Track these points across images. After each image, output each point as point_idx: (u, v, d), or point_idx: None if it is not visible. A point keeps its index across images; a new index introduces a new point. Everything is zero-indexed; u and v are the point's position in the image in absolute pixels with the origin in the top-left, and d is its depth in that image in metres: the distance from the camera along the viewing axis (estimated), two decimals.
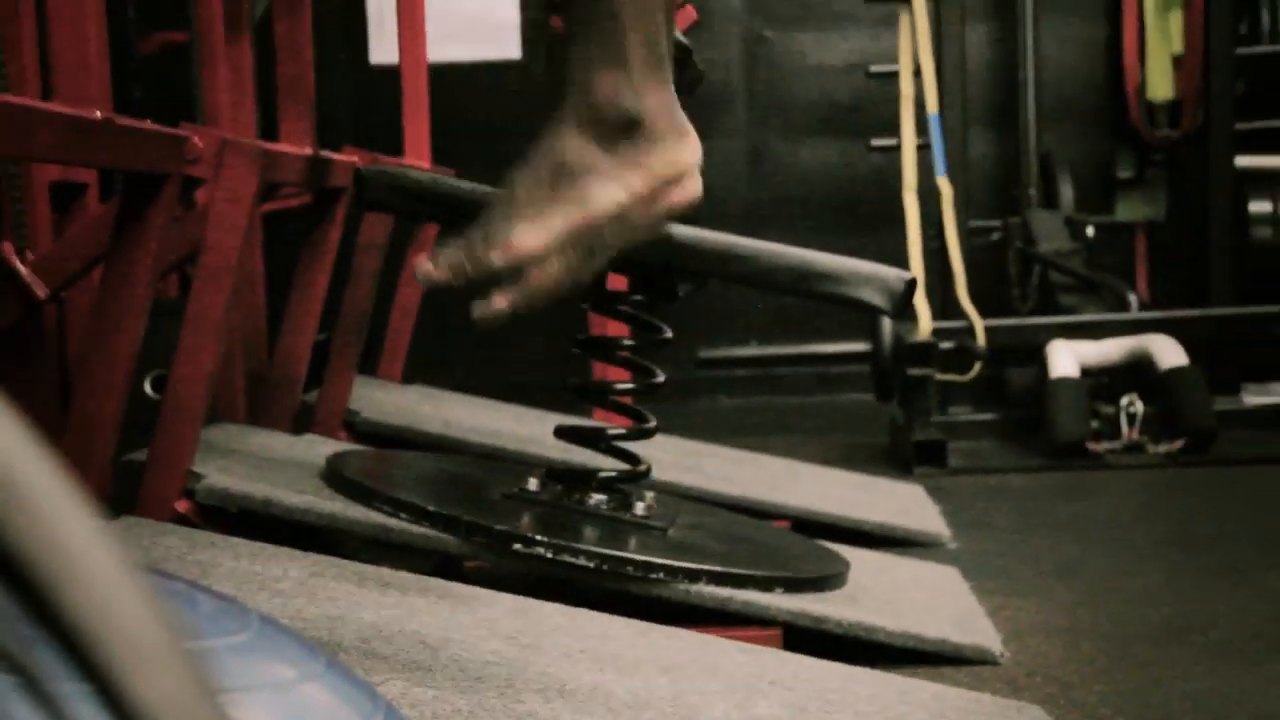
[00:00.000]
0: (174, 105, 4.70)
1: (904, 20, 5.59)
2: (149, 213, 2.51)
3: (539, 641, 2.30)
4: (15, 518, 0.41)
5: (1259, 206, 6.01)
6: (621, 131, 1.96)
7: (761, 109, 6.70)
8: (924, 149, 5.58)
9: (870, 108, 6.13)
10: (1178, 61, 6.31)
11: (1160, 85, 6.40)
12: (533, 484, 3.05)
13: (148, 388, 3.15)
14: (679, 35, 2.45)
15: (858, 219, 6.22)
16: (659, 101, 2.00)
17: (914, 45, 5.55)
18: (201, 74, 4.53)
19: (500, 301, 2.06)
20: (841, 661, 2.57)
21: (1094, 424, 4.91)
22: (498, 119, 6.26)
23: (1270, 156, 6.00)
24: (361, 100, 6.35)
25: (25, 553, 0.41)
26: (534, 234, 1.94)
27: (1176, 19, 6.33)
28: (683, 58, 2.74)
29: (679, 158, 2.00)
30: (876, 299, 3.08)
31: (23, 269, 2.86)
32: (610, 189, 1.96)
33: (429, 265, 2.02)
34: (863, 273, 3.07)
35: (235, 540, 2.61)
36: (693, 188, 2.05)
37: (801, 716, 2.21)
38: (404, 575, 2.60)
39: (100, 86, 2.61)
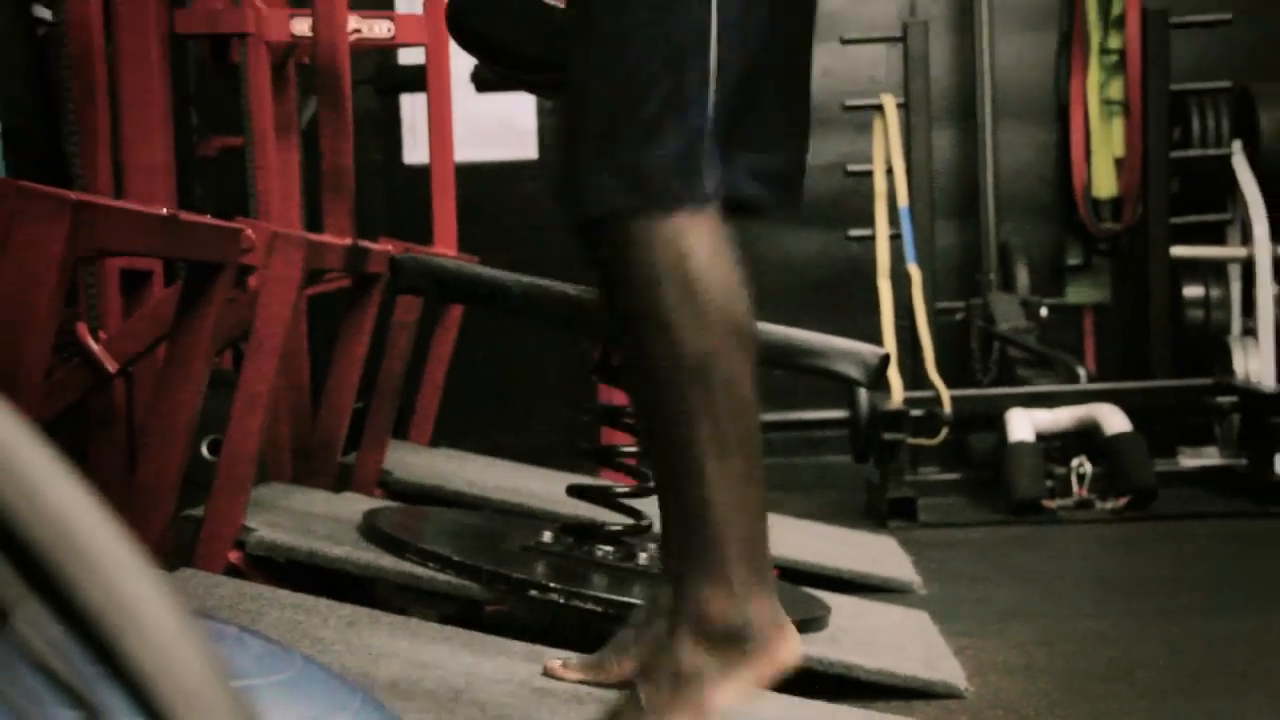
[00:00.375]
0: (230, 201, 4.70)
1: (878, 126, 5.62)
2: (207, 296, 2.50)
3: (550, 685, 2.28)
4: (83, 576, 0.40)
5: (1192, 291, 6.04)
6: (730, 640, 1.94)
7: None
8: (895, 239, 5.60)
9: (848, 202, 6.12)
10: (1119, 163, 6.33)
11: (1104, 184, 6.41)
12: (547, 537, 3.05)
13: (204, 451, 3.14)
14: None
15: (837, 301, 6.21)
16: (762, 609, 1.97)
17: (886, 148, 5.57)
18: (255, 174, 4.54)
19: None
20: (824, 696, 2.56)
21: (1048, 483, 4.90)
22: (516, 212, 6.28)
23: (1201, 247, 6.02)
24: (396, 196, 6.36)
25: (91, 607, 0.40)
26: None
27: (1118, 126, 6.35)
28: None
29: (781, 656, 1.99)
30: (854, 372, 3.09)
31: (95, 347, 2.86)
32: (725, 691, 1.94)
33: None
34: (842, 349, 3.08)
35: (281, 592, 2.60)
36: (789, 652, 2.03)
37: None
38: (431, 625, 2.59)
39: (166, 185, 2.61)
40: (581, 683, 2.19)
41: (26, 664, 0.43)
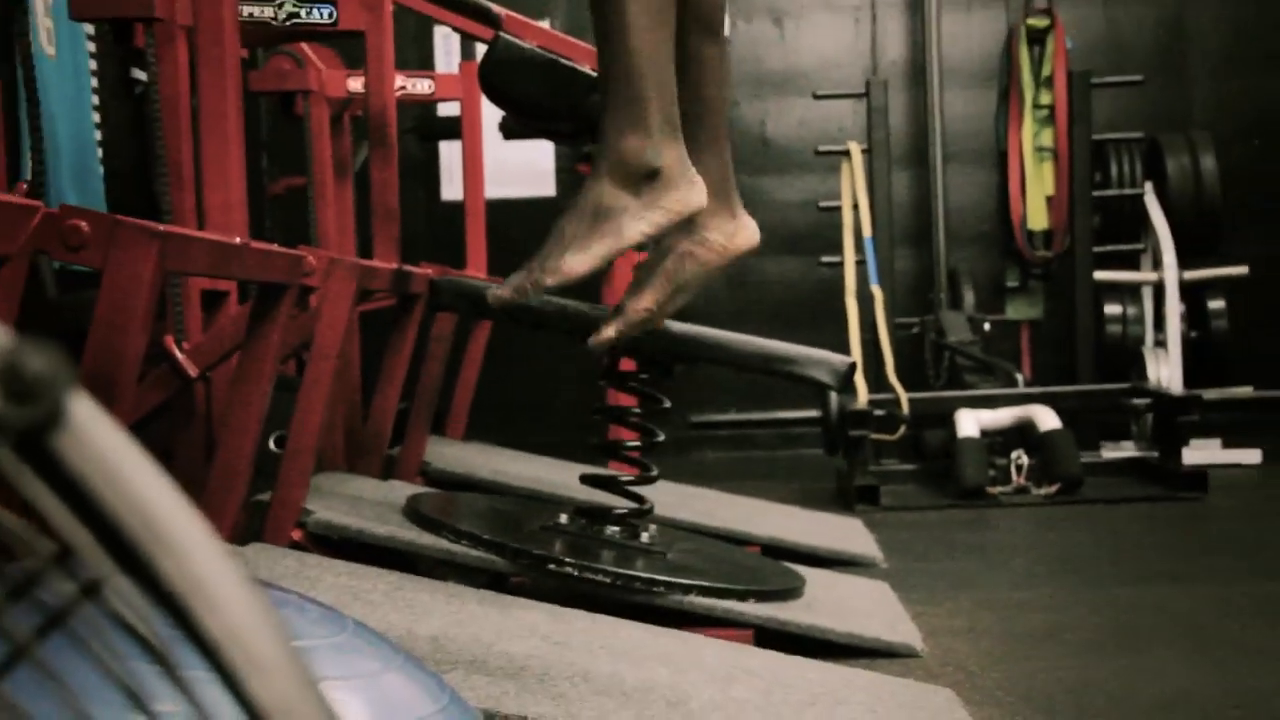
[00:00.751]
0: (295, 231, 4.70)
1: (845, 168, 5.61)
2: (274, 313, 2.50)
3: (568, 640, 2.29)
4: (162, 556, 0.40)
5: (1112, 309, 6.04)
6: (645, 179, 1.99)
7: None
8: (860, 264, 5.59)
9: (820, 233, 6.12)
10: (1050, 201, 6.33)
11: (1037, 218, 6.41)
12: (563, 518, 3.04)
13: (272, 445, 3.14)
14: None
15: (811, 317, 6.22)
16: (673, 156, 2.03)
17: (853, 187, 5.57)
18: (315, 208, 4.55)
19: (608, 330, 2.20)
20: (800, 655, 2.56)
21: (991, 473, 4.89)
22: (538, 241, 6.26)
23: (1119, 272, 6.01)
24: (434, 227, 6.36)
25: (169, 582, 0.40)
26: (581, 261, 2.00)
27: (1048, 169, 6.35)
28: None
29: (689, 198, 2.05)
30: (826, 377, 3.08)
31: (179, 355, 2.86)
32: (637, 223, 2.01)
33: (499, 290, 2.13)
34: (815, 358, 3.07)
35: (336, 562, 2.60)
36: (747, 234, 2.11)
37: (769, 698, 2.19)
38: (464, 589, 2.59)
39: (240, 218, 2.61)
40: (524, 294, 2.27)
41: (117, 629, 0.43)
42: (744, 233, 2.22)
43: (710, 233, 2.16)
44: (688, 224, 2.12)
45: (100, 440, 0.41)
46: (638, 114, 2.01)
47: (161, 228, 2.04)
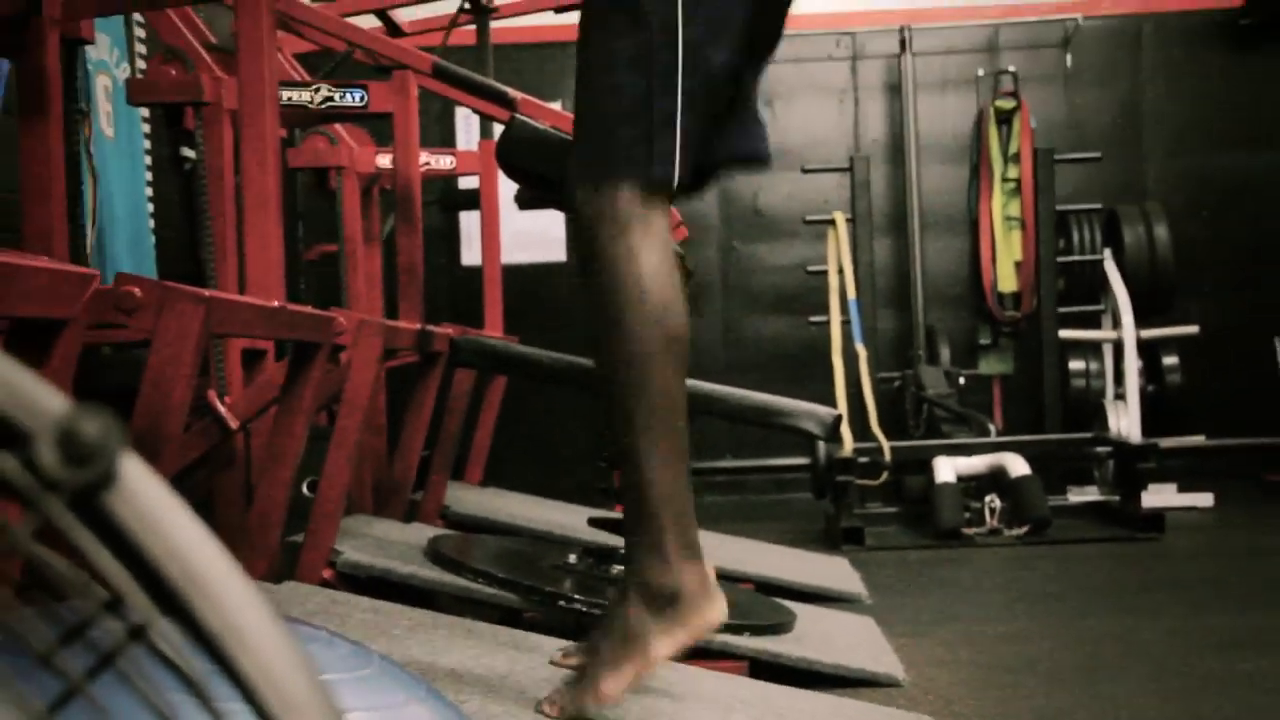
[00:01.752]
0: (328, 294, 4.71)
1: (831, 236, 5.63)
2: (308, 369, 2.51)
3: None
4: (201, 602, 0.40)
5: (1075, 365, 6.04)
6: (667, 602, 1.96)
7: (732, 296, 6.71)
8: (846, 324, 5.60)
9: (808, 295, 6.13)
10: (1018, 265, 6.35)
11: (1007, 281, 6.42)
12: (572, 558, 3.04)
13: (305, 489, 3.14)
14: (676, 246, 2.44)
15: (801, 372, 6.20)
16: (694, 579, 1.99)
17: (838, 253, 5.58)
18: (346, 272, 4.56)
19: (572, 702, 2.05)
20: (791, 685, 2.56)
21: (966, 515, 4.89)
22: (549, 302, 6.29)
23: (1082, 331, 6.01)
24: (455, 290, 6.37)
25: (208, 625, 0.40)
26: (616, 683, 1.95)
27: (1016, 236, 6.36)
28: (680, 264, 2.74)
29: (710, 617, 2.01)
30: (814, 428, 3.08)
31: (221, 408, 2.86)
32: (663, 645, 1.96)
33: (547, 707, 1.99)
34: (804, 410, 3.07)
35: (362, 599, 2.59)
36: (716, 614, 2.05)
37: None
38: (480, 625, 2.58)
39: (278, 283, 2.62)
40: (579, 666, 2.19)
41: (161, 666, 0.43)
42: (713, 613, 2.06)
43: (690, 617, 2.03)
44: (659, 608, 2.01)
45: (147, 498, 0.41)
46: (657, 544, 1.98)
47: (207, 293, 2.04)
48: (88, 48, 3.43)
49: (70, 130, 2.66)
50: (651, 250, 2.00)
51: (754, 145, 2.25)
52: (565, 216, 2.84)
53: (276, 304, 2.39)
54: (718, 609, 2.02)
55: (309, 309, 2.57)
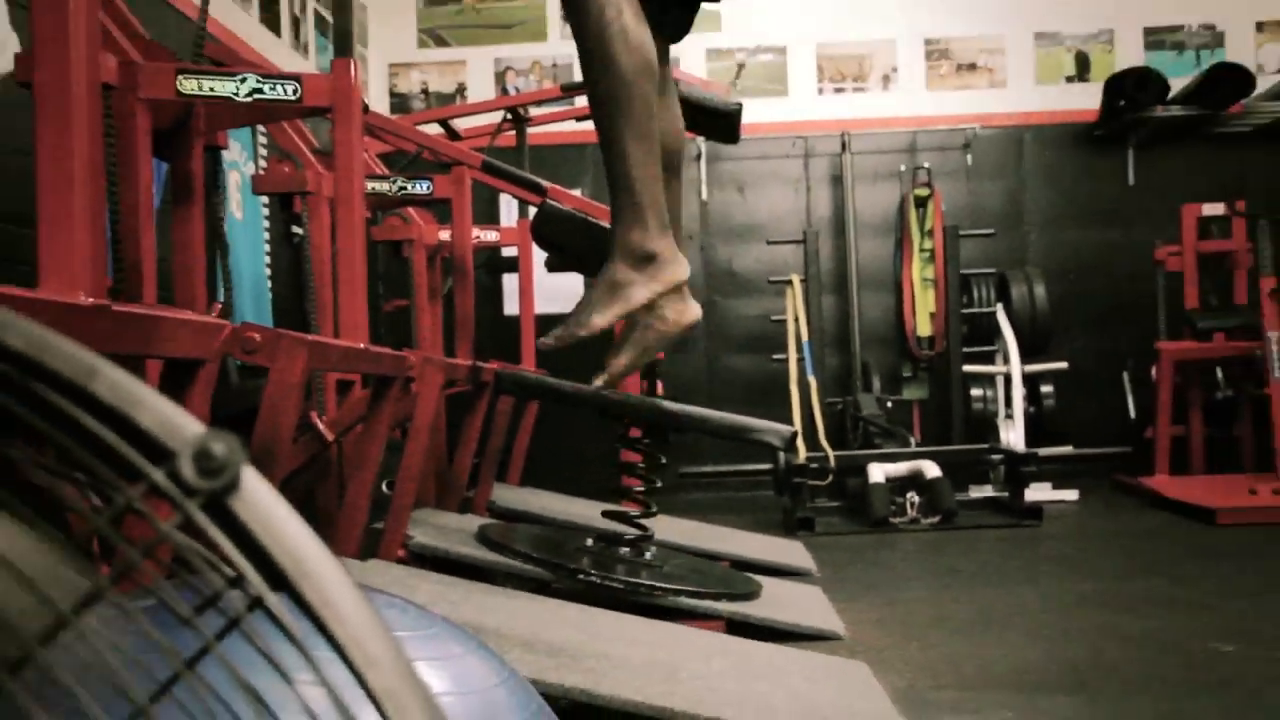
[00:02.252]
0: (402, 338, 4.72)
1: (789, 292, 5.62)
2: (386, 396, 2.51)
3: (593, 630, 2.27)
4: (303, 580, 0.40)
5: (976, 391, 6.01)
6: (645, 260, 2.06)
7: (714, 339, 6.71)
8: (800, 360, 5.59)
9: (771, 338, 6.13)
10: (932, 315, 6.36)
11: (924, 327, 6.43)
12: (589, 542, 3.03)
13: (384, 488, 3.14)
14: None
15: (766, 398, 6.19)
16: (666, 244, 2.09)
17: (795, 305, 5.58)
18: (415, 321, 4.56)
19: (598, 379, 2.27)
20: (758, 639, 2.55)
21: (892, 508, 4.86)
22: (572, 344, 6.27)
23: (980, 366, 6.00)
24: (499, 334, 6.36)
25: (308, 598, 0.41)
26: (601, 319, 2.09)
27: (931, 293, 6.38)
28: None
29: (678, 272, 2.11)
30: (776, 441, 3.05)
31: (320, 425, 2.86)
32: (642, 291, 2.12)
33: (546, 339, 2.16)
34: (769, 428, 3.05)
35: (428, 573, 2.59)
36: (693, 312, 2.15)
37: (737, 670, 2.18)
38: (518, 593, 2.58)
39: (363, 329, 2.62)
40: (564, 342, 2.27)
41: (273, 629, 0.43)
42: (690, 311, 2.20)
43: (667, 311, 2.16)
44: (651, 305, 2.14)
45: (262, 501, 0.41)
46: (639, 217, 2.06)
47: (309, 337, 2.05)
48: (223, 151, 3.45)
49: (210, 214, 2.68)
50: (631, 14, 2.07)
51: None
52: (585, 277, 2.84)
53: (362, 346, 2.39)
54: (683, 267, 2.13)
55: (387, 350, 2.58)
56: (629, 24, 2.04)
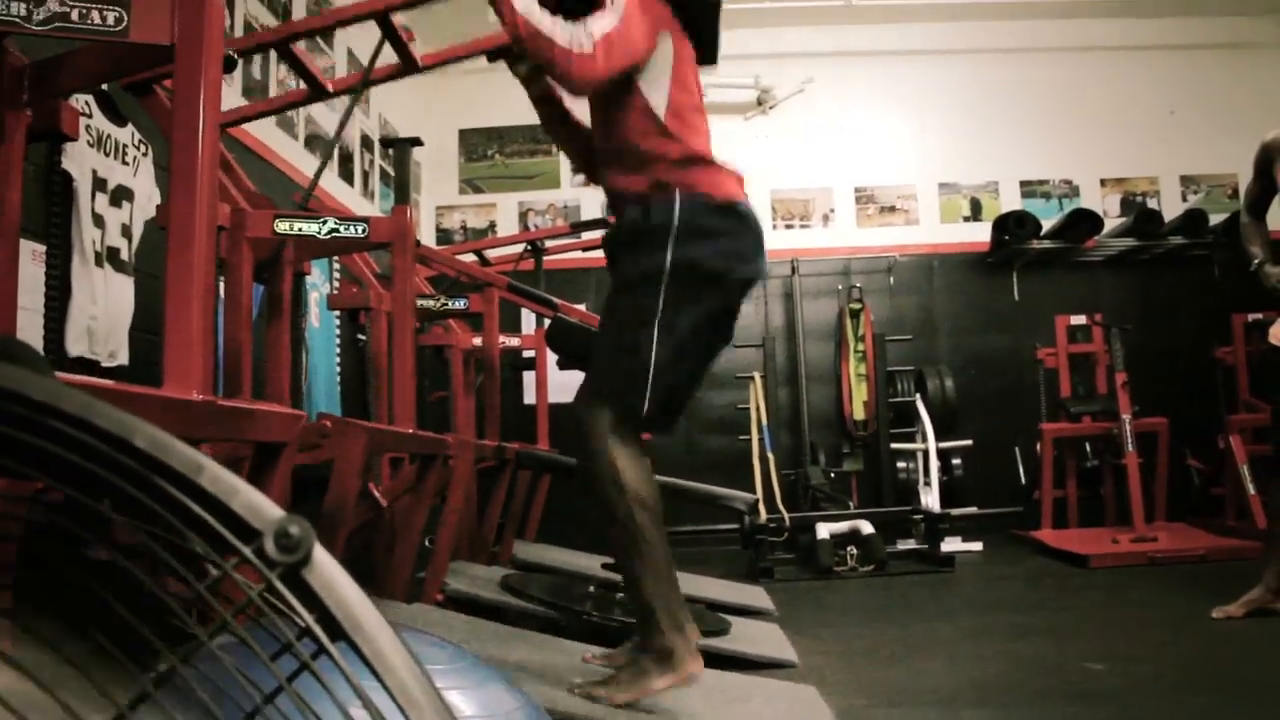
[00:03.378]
0: (442, 423, 4.70)
1: (751, 386, 5.63)
2: (429, 471, 2.50)
3: (593, 667, 2.24)
4: (357, 632, 0.41)
5: (901, 464, 5.98)
6: (664, 657, 1.92)
7: (694, 422, 6.69)
8: (761, 440, 5.58)
9: (738, 422, 6.12)
10: (866, 403, 6.36)
11: (859, 412, 6.43)
12: (592, 589, 3.00)
13: (427, 543, 3.12)
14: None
15: (735, 470, 6.13)
16: (680, 643, 1.93)
17: (757, 396, 5.58)
18: (455, 410, 4.55)
19: (597, 692, 1.96)
20: (728, 669, 2.52)
21: (836, 559, 4.82)
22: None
23: (904, 443, 5.98)
24: (521, 419, 6.35)
25: (365, 651, 0.41)
26: (624, 696, 1.90)
27: (864, 385, 6.40)
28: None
29: (691, 669, 1.94)
30: (742, 506, 3.07)
31: (376, 493, 2.84)
32: (659, 682, 1.91)
33: (577, 690, 1.91)
34: (736, 495, 3.07)
35: (461, 615, 2.56)
36: (698, 670, 1.97)
37: (708, 695, 2.15)
38: (534, 634, 2.55)
39: (411, 417, 2.62)
40: (603, 665, 2.14)
41: (337, 675, 0.43)
42: (696, 664, 1.97)
43: (679, 669, 1.95)
44: (663, 661, 1.94)
45: (328, 571, 0.42)
46: (653, 626, 1.94)
47: (369, 425, 2.05)
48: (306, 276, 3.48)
49: (295, 325, 2.69)
50: (627, 451, 1.97)
51: (666, 431, 2.21)
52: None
53: (410, 431, 2.39)
54: (697, 663, 1.95)
55: (430, 434, 2.57)
56: (629, 479, 1.94)
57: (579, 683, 1.95)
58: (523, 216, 6.88)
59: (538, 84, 2.21)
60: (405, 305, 2.57)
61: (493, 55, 2.48)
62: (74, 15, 1.37)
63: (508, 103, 4.80)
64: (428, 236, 6.84)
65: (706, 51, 2.15)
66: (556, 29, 1.88)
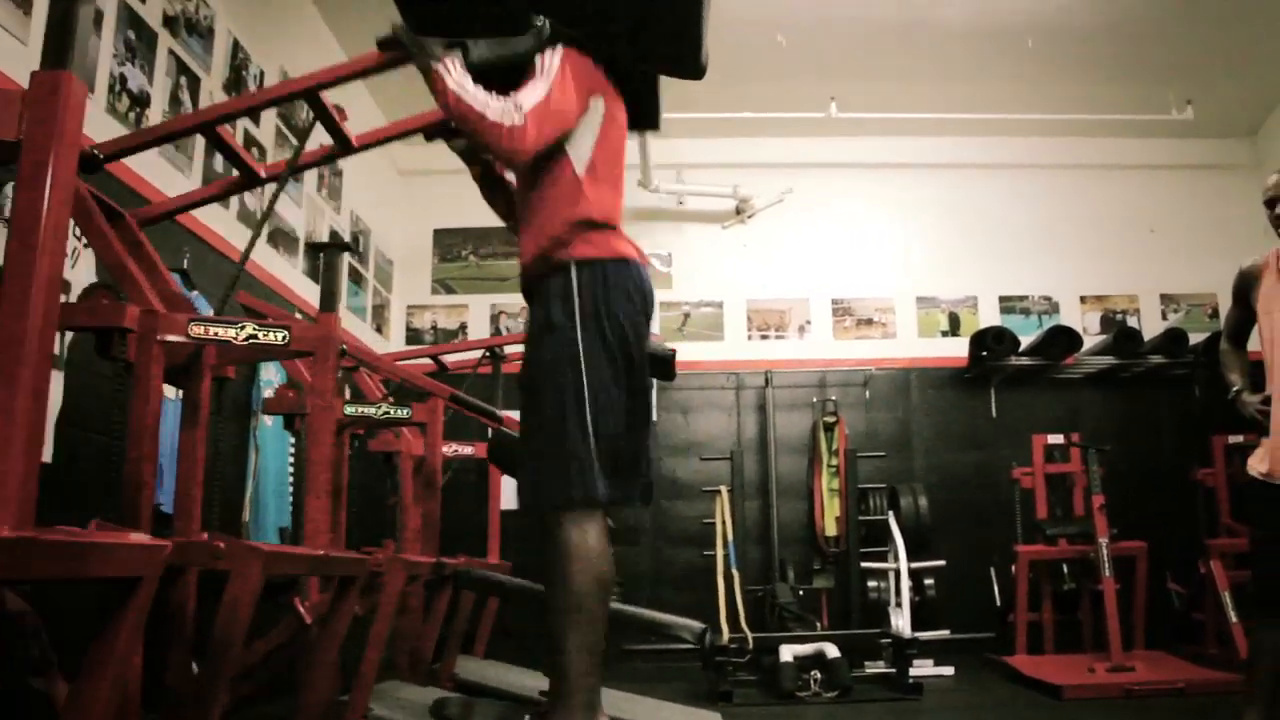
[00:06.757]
0: (394, 530, 4.60)
1: (718, 500, 5.56)
2: (346, 593, 2.42)
3: None
4: None
5: (872, 583, 5.88)
6: None
7: (660, 536, 6.57)
8: (726, 555, 5.48)
9: (703, 536, 6.01)
10: (837, 519, 6.28)
11: (830, 529, 6.34)
12: (527, 718, 2.88)
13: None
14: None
15: (699, 585, 6.03)
16: None
17: (723, 510, 5.51)
18: (400, 519, 4.45)
19: None
20: None
21: (799, 683, 4.69)
22: (526, 532, 6.15)
23: (876, 562, 5.88)
24: (474, 527, 6.27)
25: None
26: None
27: (836, 501, 6.32)
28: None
29: None
30: (689, 636, 2.98)
31: (302, 609, 2.76)
32: None
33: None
34: (683, 624, 3.01)
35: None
36: None
37: None
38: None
39: (325, 534, 2.55)
40: None
41: None
42: None
43: None
44: None
45: None
46: (571, 703, 1.93)
47: (266, 547, 1.98)
48: (261, 370, 3.43)
49: (244, 427, 2.64)
50: (590, 535, 1.96)
51: (632, 492, 2.18)
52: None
53: (320, 553, 2.31)
54: None
55: (345, 553, 2.49)
56: (592, 548, 1.94)
57: None
58: (494, 319, 6.89)
59: (475, 160, 2.29)
60: (325, 417, 2.52)
61: (430, 134, 2.47)
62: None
63: (484, 204, 4.83)
64: (397, 335, 6.83)
65: (649, 117, 2.23)
66: (490, 103, 1.94)
